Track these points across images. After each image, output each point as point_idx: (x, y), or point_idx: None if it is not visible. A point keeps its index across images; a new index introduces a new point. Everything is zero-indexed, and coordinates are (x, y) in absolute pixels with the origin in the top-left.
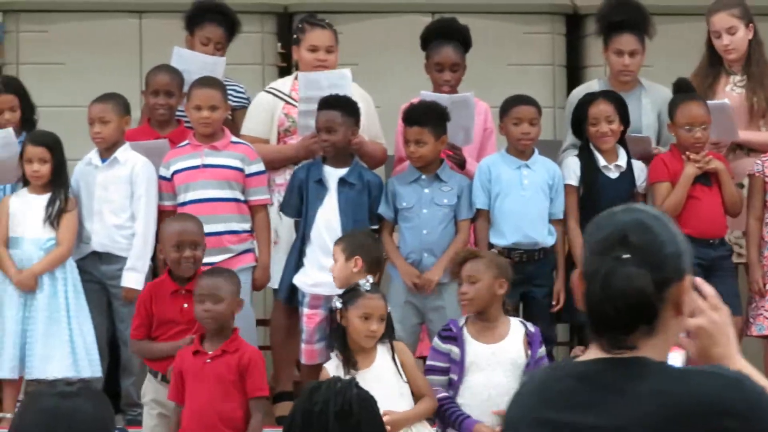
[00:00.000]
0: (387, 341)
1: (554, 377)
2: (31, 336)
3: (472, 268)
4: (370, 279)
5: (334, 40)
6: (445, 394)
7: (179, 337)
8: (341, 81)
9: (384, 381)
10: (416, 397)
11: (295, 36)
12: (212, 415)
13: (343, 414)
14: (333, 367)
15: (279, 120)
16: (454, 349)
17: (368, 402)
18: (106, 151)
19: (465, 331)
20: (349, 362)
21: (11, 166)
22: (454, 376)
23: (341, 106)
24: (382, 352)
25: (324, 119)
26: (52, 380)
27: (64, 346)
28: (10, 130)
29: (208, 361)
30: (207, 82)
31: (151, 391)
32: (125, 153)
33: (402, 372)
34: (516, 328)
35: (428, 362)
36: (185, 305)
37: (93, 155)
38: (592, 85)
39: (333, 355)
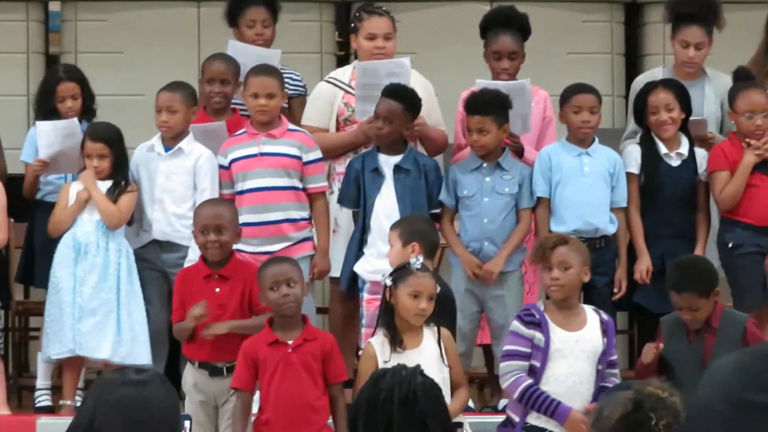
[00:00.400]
0: (433, 325)
1: (751, 359)
2: (82, 317)
3: (565, 253)
4: (420, 258)
5: (392, 28)
6: (530, 380)
7: (210, 321)
8: (400, 69)
9: (428, 364)
10: (452, 385)
11: (353, 24)
12: (300, 403)
13: (408, 402)
14: (378, 344)
15: (339, 110)
16: (538, 335)
17: (432, 390)
18: (171, 140)
19: (547, 317)
20: (395, 340)
21: (74, 155)
22: (536, 363)
23: (404, 98)
24: (428, 336)
25: (385, 108)
26: (119, 369)
27: (111, 331)
28: (75, 121)
29: (290, 351)
30: (264, 69)
31: (191, 378)
32: (189, 144)
33: (445, 357)
34: (592, 317)
35: (507, 347)
36: (217, 289)
37: (156, 142)
38: (655, 73)
39: (379, 332)
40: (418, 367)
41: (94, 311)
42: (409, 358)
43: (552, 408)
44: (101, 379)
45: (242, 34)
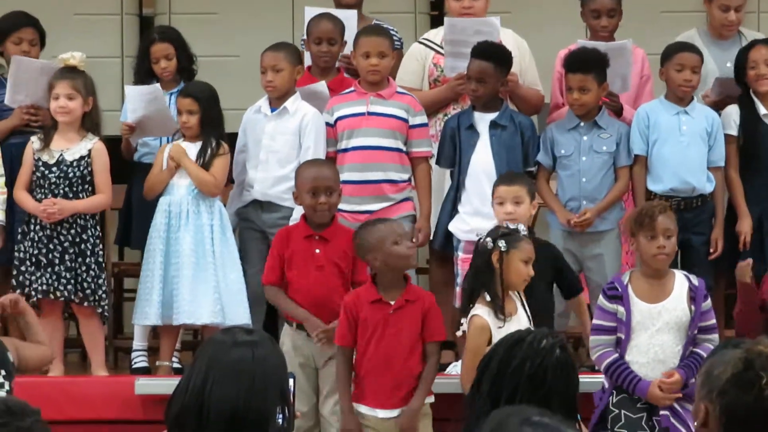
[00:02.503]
0: (518, 292)
1: None
2: (177, 281)
3: (668, 221)
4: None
5: None
6: (615, 355)
7: (307, 281)
8: (487, 28)
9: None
10: None
11: None
12: (398, 364)
13: (536, 378)
14: (485, 313)
15: (429, 70)
16: (620, 309)
17: (566, 368)
18: (276, 100)
19: (630, 290)
20: (501, 308)
21: (163, 119)
22: (621, 336)
23: (494, 56)
24: (518, 301)
25: (476, 69)
26: (228, 329)
27: (210, 292)
28: (157, 86)
29: (391, 312)
30: (375, 30)
31: (289, 340)
32: (295, 103)
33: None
34: (680, 283)
35: (595, 321)
36: (317, 251)
37: (263, 103)
38: (690, 35)
39: (481, 300)
40: (560, 340)
41: (190, 277)
42: (509, 325)
43: (633, 384)
44: (212, 340)
45: None
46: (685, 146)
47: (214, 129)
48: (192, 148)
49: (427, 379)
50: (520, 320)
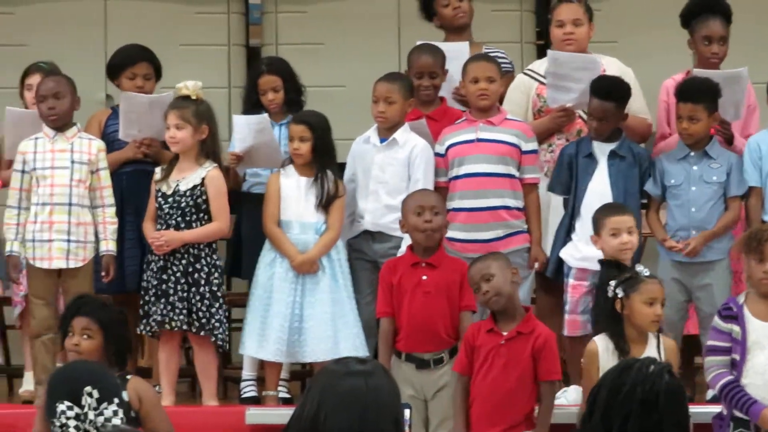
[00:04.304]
0: (656, 335)
1: None
2: (312, 319)
3: None
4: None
5: (582, 14)
6: (730, 377)
7: (415, 307)
8: (591, 66)
9: None
10: None
11: (549, 16)
12: (502, 396)
13: (648, 402)
14: (603, 347)
15: (533, 101)
16: (735, 328)
17: (677, 393)
18: (386, 131)
19: (745, 309)
20: (622, 349)
21: (270, 150)
22: (737, 356)
23: (615, 95)
24: (652, 344)
25: (598, 108)
26: (341, 359)
27: (351, 327)
28: (265, 117)
29: (503, 342)
30: (483, 56)
31: (398, 372)
32: (404, 134)
33: None
34: None
35: (709, 342)
36: (424, 277)
37: (372, 134)
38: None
39: (600, 338)
40: (667, 365)
41: (306, 315)
42: None
43: (747, 406)
44: (325, 370)
45: (443, 15)
46: None
47: (326, 159)
48: (306, 183)
49: (543, 421)
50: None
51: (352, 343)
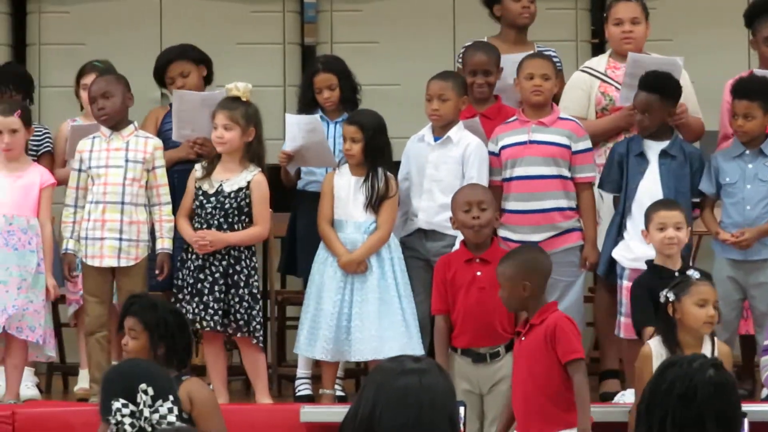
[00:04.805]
0: (711, 338)
1: None
2: (359, 318)
3: None
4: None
5: (639, 12)
6: None
7: (470, 303)
8: (672, 67)
9: None
10: None
11: (605, 14)
12: (533, 393)
13: (686, 397)
14: (656, 349)
15: (596, 99)
16: None
17: (720, 386)
18: (440, 129)
19: None
20: (674, 353)
21: (321, 150)
22: None
23: (660, 88)
24: (707, 348)
25: (642, 100)
26: (396, 358)
27: (398, 326)
28: (316, 117)
29: (523, 339)
30: (538, 54)
31: (454, 367)
32: (459, 132)
33: None
34: None
35: (766, 342)
36: (478, 273)
37: (426, 132)
38: None
39: (654, 342)
40: (713, 359)
41: (353, 314)
42: None
43: None
44: (380, 368)
45: (508, 7)
46: None
47: (378, 159)
48: (359, 183)
49: (580, 405)
50: None
51: (398, 343)
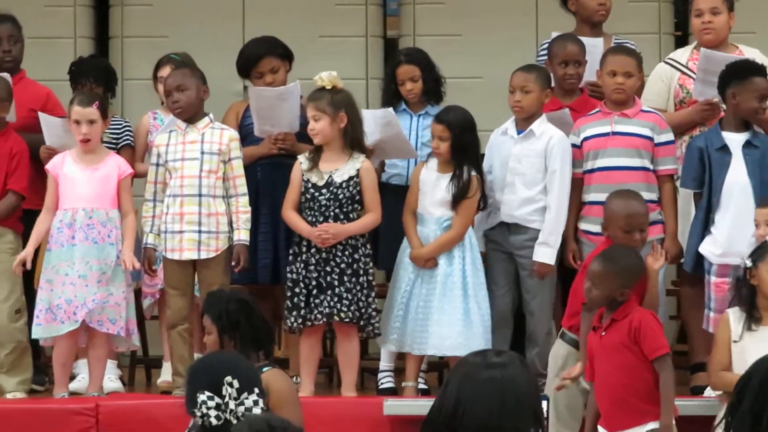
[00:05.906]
0: None
1: None
2: (424, 312)
3: None
4: None
5: (719, 3)
6: None
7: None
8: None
9: None
10: None
11: (689, 5)
12: (617, 387)
13: None
14: (735, 317)
15: (675, 91)
16: None
17: None
18: (523, 122)
19: None
20: (752, 317)
21: (399, 142)
22: None
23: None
24: None
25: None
26: (480, 352)
27: (455, 324)
28: (389, 110)
29: (603, 334)
30: (623, 49)
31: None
32: (541, 125)
33: None
34: None
35: None
36: None
37: (509, 125)
38: None
39: (734, 309)
40: None
41: (411, 307)
42: (763, 334)
43: None
44: (464, 362)
45: (584, 3)
46: None
47: (466, 158)
48: (443, 180)
49: (664, 402)
50: None
51: (454, 342)
